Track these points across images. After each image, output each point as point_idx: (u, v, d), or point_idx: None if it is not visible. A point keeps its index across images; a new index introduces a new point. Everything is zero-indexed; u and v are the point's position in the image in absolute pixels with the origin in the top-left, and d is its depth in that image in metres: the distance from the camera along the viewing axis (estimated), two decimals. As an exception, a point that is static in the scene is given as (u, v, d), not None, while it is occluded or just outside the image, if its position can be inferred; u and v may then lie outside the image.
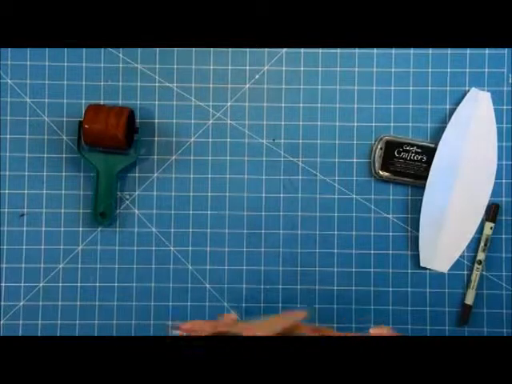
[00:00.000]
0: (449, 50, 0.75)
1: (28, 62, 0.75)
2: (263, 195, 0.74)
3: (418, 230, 0.73)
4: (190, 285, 0.74)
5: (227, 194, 0.75)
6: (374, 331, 0.61)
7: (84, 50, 0.75)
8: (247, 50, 0.75)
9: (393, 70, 0.75)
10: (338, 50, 0.75)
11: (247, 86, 0.75)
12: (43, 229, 0.74)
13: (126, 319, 0.74)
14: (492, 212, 0.73)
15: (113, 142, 0.71)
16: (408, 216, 0.74)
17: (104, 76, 0.75)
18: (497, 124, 0.74)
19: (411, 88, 0.75)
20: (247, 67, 0.75)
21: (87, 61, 0.75)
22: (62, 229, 0.74)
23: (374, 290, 0.74)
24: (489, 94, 0.74)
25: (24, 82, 0.75)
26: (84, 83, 0.75)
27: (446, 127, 0.73)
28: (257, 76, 0.75)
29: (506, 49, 0.74)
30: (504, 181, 0.74)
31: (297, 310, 0.73)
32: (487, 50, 0.75)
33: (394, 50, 0.75)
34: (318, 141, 0.75)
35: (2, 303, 0.74)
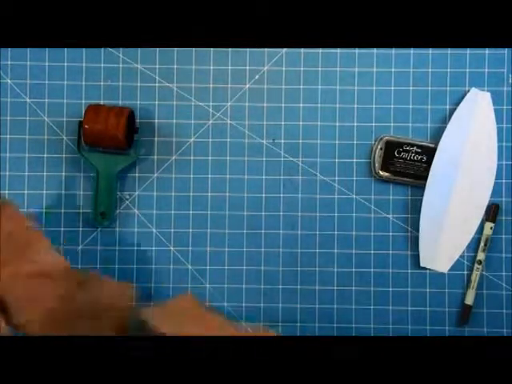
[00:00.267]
0: (449, 50, 0.75)
1: (28, 62, 0.75)
2: (263, 195, 0.74)
3: (417, 230, 0.73)
4: (190, 285, 0.74)
5: (227, 194, 0.75)
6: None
7: (84, 50, 0.75)
8: (247, 50, 0.75)
9: (393, 70, 0.75)
10: (338, 50, 0.75)
11: (247, 86, 0.75)
12: (43, 229, 0.74)
13: (125, 319, 0.74)
14: (492, 212, 0.73)
15: (113, 142, 0.71)
16: (408, 216, 0.74)
17: (104, 76, 0.75)
18: (497, 124, 0.74)
19: (411, 88, 0.75)
20: (247, 67, 0.75)
21: (87, 61, 0.75)
22: (62, 229, 0.74)
23: (373, 289, 0.74)
24: (489, 94, 0.74)
25: (24, 82, 0.75)
26: (84, 83, 0.75)
27: (446, 127, 0.73)
28: (257, 76, 0.75)
29: (506, 49, 0.74)
30: (504, 181, 0.74)
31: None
32: (487, 50, 0.75)
33: (393, 50, 0.75)
34: (318, 141, 0.75)
35: (2, 303, 0.74)
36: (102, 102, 0.75)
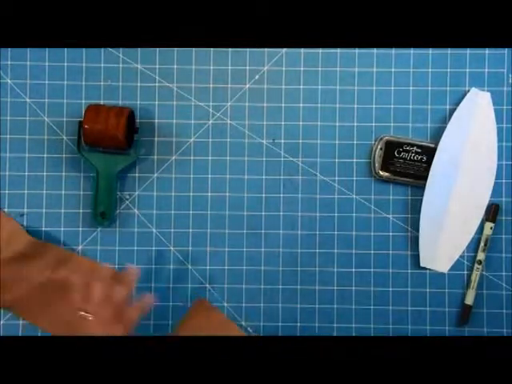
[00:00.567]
0: (449, 50, 0.75)
1: (28, 62, 0.75)
2: (263, 195, 0.74)
3: (417, 230, 0.73)
4: (190, 285, 0.74)
5: (227, 194, 0.75)
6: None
7: (84, 50, 0.75)
8: (247, 50, 0.75)
9: (393, 70, 0.75)
10: (338, 50, 0.75)
11: (247, 86, 0.75)
12: (43, 229, 0.74)
13: (126, 319, 0.74)
14: (492, 212, 0.73)
15: (113, 142, 0.71)
16: (408, 216, 0.74)
17: (104, 76, 0.75)
18: (497, 124, 0.74)
19: (411, 88, 0.75)
20: (247, 67, 0.75)
21: (87, 61, 0.75)
22: (62, 229, 0.74)
23: (373, 289, 0.74)
24: (489, 94, 0.74)
25: (24, 82, 0.75)
26: (84, 83, 0.75)
27: (446, 127, 0.73)
28: (257, 76, 0.75)
29: (506, 49, 0.74)
30: (504, 181, 0.74)
31: None
32: (487, 50, 0.75)
33: (393, 50, 0.75)
34: (318, 141, 0.75)
35: (2, 303, 0.74)
36: (102, 102, 0.75)
